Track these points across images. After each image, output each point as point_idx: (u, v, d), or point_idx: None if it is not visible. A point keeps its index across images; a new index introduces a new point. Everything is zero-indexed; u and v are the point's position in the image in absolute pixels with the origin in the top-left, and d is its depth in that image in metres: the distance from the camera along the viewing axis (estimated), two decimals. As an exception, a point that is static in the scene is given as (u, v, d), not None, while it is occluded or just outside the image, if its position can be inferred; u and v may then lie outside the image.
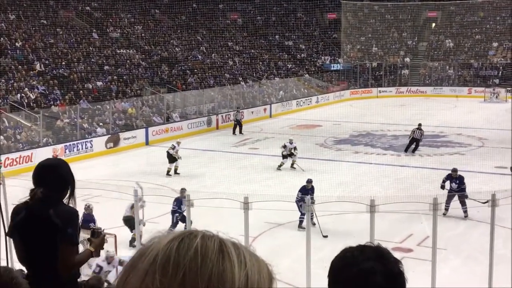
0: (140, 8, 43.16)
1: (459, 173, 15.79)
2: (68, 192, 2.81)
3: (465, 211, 14.38)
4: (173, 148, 21.09)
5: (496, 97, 40.85)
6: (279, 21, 51.78)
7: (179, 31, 43.21)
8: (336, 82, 46.06)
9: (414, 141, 23.86)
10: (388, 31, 52.37)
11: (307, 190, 14.51)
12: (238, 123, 29.82)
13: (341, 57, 49.61)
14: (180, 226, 13.27)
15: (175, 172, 20.87)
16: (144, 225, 12.56)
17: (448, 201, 14.40)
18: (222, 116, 32.29)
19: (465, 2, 50.98)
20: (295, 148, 21.78)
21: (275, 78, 42.19)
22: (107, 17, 39.69)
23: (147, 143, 27.23)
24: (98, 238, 3.23)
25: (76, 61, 32.43)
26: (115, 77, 32.55)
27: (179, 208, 13.90)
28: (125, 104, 29.57)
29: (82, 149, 24.43)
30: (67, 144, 24.07)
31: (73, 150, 24.04)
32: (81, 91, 29.37)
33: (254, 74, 41.45)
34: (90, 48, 34.86)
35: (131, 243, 13.20)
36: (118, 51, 35.98)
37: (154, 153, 25.76)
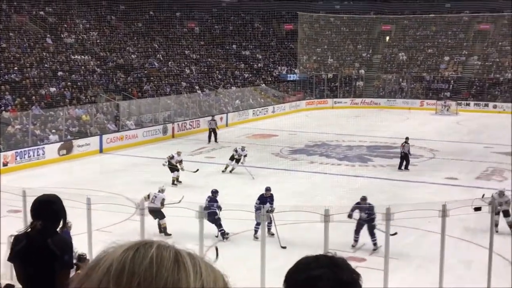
0: (96, 14, 42.67)
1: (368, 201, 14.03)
2: (61, 223, 3.24)
3: (375, 243, 13.65)
4: (172, 157, 20.89)
5: (447, 109, 41.89)
6: (236, 31, 51.96)
7: (135, 38, 42.88)
8: (292, 92, 46.44)
9: (405, 156, 23.13)
10: (343, 43, 53.17)
11: (265, 198, 14.60)
12: (212, 131, 29.73)
13: (298, 67, 50.09)
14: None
15: (175, 182, 20.59)
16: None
17: (357, 232, 13.84)
18: (178, 124, 32.12)
19: (418, 17, 52.25)
20: (245, 156, 22.31)
21: (232, 87, 42.27)
22: (62, 22, 39.08)
23: (101, 150, 26.86)
24: (84, 263, 3.56)
25: (29, 66, 31.79)
26: (69, 83, 32.03)
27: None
28: (79, 111, 29.11)
29: (33, 156, 23.91)
30: (18, 151, 23.53)
31: (24, 157, 23.51)
32: (33, 97, 28.79)
33: (211, 83, 41.43)
34: (44, 53, 34.24)
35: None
36: (72, 57, 35.44)
37: (108, 160, 25.43)
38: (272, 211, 13.02)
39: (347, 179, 21.44)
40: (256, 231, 13.89)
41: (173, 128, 31.59)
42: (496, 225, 13.56)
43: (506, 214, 14.83)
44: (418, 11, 52.54)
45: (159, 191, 15.00)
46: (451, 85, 46.63)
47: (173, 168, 20.72)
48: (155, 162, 24.67)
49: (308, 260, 1.26)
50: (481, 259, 12.04)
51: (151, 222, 10.63)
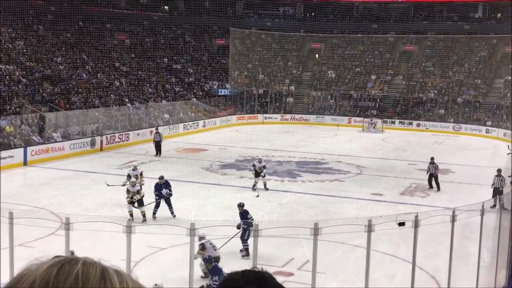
0: (23, 23, 41.47)
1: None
2: None
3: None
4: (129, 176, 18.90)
5: (374, 127, 43.08)
6: (167, 44, 51.70)
7: (63, 48, 41.91)
8: (223, 107, 46.57)
9: (432, 177, 22.82)
10: (274, 60, 53.87)
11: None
12: (156, 144, 29.33)
13: (229, 82, 50.31)
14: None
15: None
16: None
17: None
18: (106, 137, 31.54)
19: (346, 36, 53.67)
20: (264, 167, 21.92)
21: (163, 100, 41.94)
22: (-14, 30, 37.76)
23: (25, 163, 26.00)
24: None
25: (-51, 74, 30.49)
26: (-8, 93, 30.91)
27: (159, 192, 17.33)
28: (3, 122, 28.11)
29: (-48, 168, 22.87)
30: None
31: None
32: (-47, 107, 27.60)
33: (141, 96, 40.96)
34: (-34, 61, 32.95)
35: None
36: (-4, 66, 34.25)
37: (32, 173, 24.64)
38: (247, 227, 13.37)
39: (277, 194, 21.65)
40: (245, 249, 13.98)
41: (101, 141, 30.99)
42: None
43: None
44: (346, 31, 54.01)
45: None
46: (377, 103, 48.02)
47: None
48: (81, 176, 24.12)
49: (235, 276, 1.27)
50: (404, 273, 12.40)
51: (76, 235, 10.38)
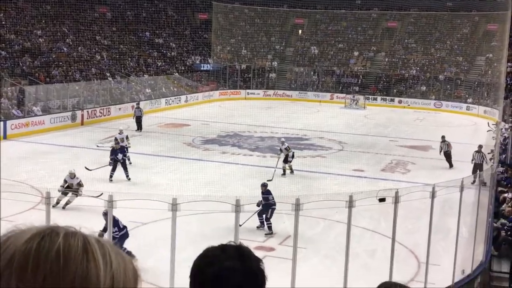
0: (1, -6, 40.66)
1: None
2: None
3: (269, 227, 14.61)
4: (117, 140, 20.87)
5: (356, 103, 43.19)
6: (149, 18, 51.09)
7: (43, 21, 41.22)
8: (206, 82, 46.32)
9: (478, 167, 20.18)
10: (257, 35, 53.57)
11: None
12: (137, 119, 29.07)
13: (211, 57, 50.00)
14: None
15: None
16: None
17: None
18: (87, 111, 31.26)
19: (330, 12, 53.44)
20: (286, 148, 20.93)
21: (144, 75, 41.59)
22: (-37, 1, 37.01)
23: (5, 137, 25.72)
24: None
25: None
26: (-30, 65, 30.43)
27: (116, 155, 19.18)
28: (-19, 95, 27.73)
29: None
30: None
31: None
32: None
33: (123, 70, 40.57)
34: None
35: None
36: (-26, 38, 33.67)
37: (12, 148, 24.39)
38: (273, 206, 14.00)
39: (259, 169, 21.68)
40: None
41: (82, 115, 30.73)
42: None
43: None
44: (330, 6, 53.73)
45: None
46: (360, 80, 48.11)
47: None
48: (62, 150, 23.95)
49: (215, 252, 1.26)
50: (384, 248, 12.54)
51: (56, 214, 10.34)
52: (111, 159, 19.31)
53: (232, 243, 1.29)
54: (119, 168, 19.30)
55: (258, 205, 14.08)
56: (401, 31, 52.21)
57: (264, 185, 15.01)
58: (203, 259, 1.26)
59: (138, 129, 28.96)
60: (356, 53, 50.89)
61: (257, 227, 14.70)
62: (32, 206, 13.83)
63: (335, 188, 18.17)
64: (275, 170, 20.24)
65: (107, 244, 0.97)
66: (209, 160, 23.09)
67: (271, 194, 14.62)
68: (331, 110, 40.46)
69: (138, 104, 31.10)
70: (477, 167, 19.76)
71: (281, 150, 21.17)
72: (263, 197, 14.32)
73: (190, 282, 1.28)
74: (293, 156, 20.90)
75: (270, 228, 14.55)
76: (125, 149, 20.18)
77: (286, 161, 20.83)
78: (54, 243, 0.91)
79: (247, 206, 9.14)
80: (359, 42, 51.82)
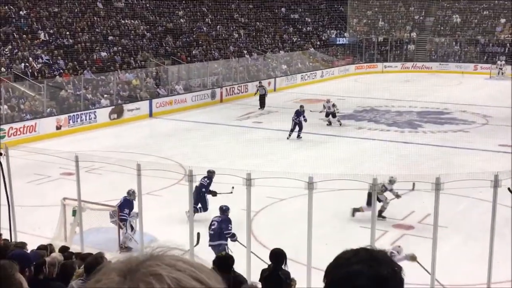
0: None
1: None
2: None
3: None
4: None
5: (502, 74, 40.60)
6: (285, -6, 51.26)
7: (184, 2, 42.84)
8: (342, 56, 45.79)
9: None
10: (395, 6, 51.86)
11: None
12: (261, 97, 29.11)
13: (347, 31, 49.26)
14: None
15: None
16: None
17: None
18: (226, 89, 32.19)
19: (474, -22, 50.36)
20: (333, 106, 24.33)
21: (280, 51, 41.93)
22: (112, -13, 39.34)
23: (150, 115, 27.22)
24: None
25: (81, 31, 32.25)
26: (119, 47, 32.39)
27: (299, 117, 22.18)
28: (129, 75, 29.49)
29: (85, 120, 24.45)
30: (71, 114, 24.09)
31: (76, 121, 24.06)
32: (85, 62, 29.27)
33: (259, 47, 41.20)
34: (95, 18, 34.63)
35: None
36: (122, 22, 35.74)
37: (157, 125, 25.80)
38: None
39: (396, 145, 21.17)
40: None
41: (221, 93, 31.70)
42: None
43: None
44: (474, -28, 50.65)
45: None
46: (506, 49, 45.08)
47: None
48: (202, 127, 24.91)
49: (348, 254, 1.25)
50: None
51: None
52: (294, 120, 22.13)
53: (368, 247, 1.26)
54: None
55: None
56: (554, -6, 48.05)
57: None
58: (336, 261, 1.26)
59: (261, 107, 28.89)
60: (503, 20, 47.65)
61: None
62: (175, 182, 14.57)
63: (479, 165, 17.26)
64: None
65: (205, 274, 0.99)
66: (346, 136, 22.89)
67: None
68: (475, 82, 38.36)
69: (260, 82, 31.03)
70: None
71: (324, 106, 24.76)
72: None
73: (324, 282, 1.28)
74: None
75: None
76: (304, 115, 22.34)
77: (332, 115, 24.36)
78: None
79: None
80: (507, 8, 48.40)
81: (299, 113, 22.19)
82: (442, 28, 49.07)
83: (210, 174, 13.59)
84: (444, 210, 11.58)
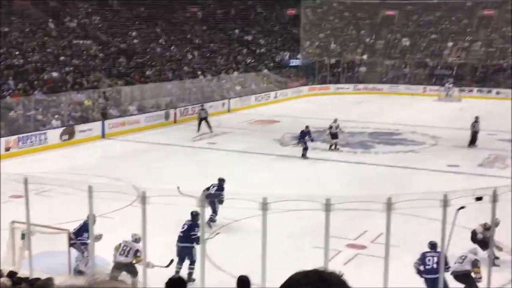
0: (98, -2, 42.45)
1: None
2: None
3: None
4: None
5: (450, 96, 41.74)
6: (239, 15, 51.70)
7: (137, 22, 42.70)
8: (295, 78, 46.29)
9: (475, 134, 24.82)
10: (346, 29, 52.93)
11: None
12: (204, 120, 28.26)
13: (300, 53, 49.92)
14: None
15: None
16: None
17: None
18: (180, 110, 32.08)
19: (422, 2, 51.90)
20: (337, 127, 24.24)
21: (234, 72, 42.13)
22: (64, 7, 38.91)
23: (103, 136, 26.87)
24: None
25: (31, 51, 31.71)
26: (71, 68, 31.96)
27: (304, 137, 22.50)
28: (81, 96, 29.09)
29: (36, 141, 23.95)
30: (21, 136, 23.56)
31: (26, 142, 23.55)
32: (36, 82, 28.74)
33: (213, 68, 41.30)
34: (46, 38, 34.14)
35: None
36: (74, 42, 35.33)
37: (110, 146, 25.47)
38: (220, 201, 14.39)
39: (349, 166, 21.45)
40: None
41: (175, 114, 31.57)
42: None
43: None
44: (422, -4, 52.15)
45: (133, 240, 11.54)
46: (454, 71, 46.44)
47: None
48: (156, 148, 24.71)
49: (298, 276, 1.26)
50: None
51: (152, 209, 10.67)
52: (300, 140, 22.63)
53: (321, 269, 1.28)
54: None
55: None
56: (498, 19, 49.90)
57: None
58: (286, 282, 1.26)
59: (198, 130, 27.99)
60: (450, 44, 49.16)
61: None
62: (128, 204, 14.35)
63: (429, 184, 17.65)
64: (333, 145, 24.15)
65: None
66: (299, 156, 23.03)
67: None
68: (424, 104, 39.32)
69: (202, 105, 30.43)
70: None
71: (331, 127, 24.31)
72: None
73: None
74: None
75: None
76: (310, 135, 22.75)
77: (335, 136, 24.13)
78: None
79: (337, 205, 9.05)
80: (453, 32, 50.02)
81: (304, 133, 22.54)
82: (392, 51, 50.25)
83: (220, 182, 14.89)
84: (396, 230, 11.77)
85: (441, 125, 29.72)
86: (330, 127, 24.16)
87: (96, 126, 26.88)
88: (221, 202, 14.17)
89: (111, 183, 17.17)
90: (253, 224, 12.89)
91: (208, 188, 14.17)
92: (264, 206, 8.51)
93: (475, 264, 10.89)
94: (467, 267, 11.01)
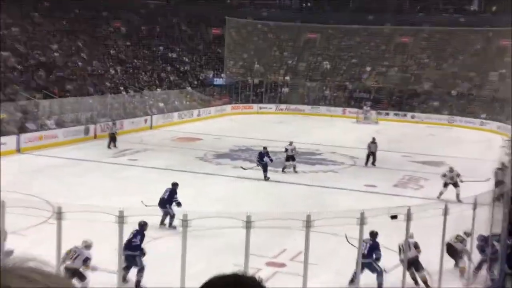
0: (19, 9, 41.14)
1: None
2: None
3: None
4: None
5: (368, 118, 43.09)
6: (163, 33, 51.48)
7: (59, 35, 41.66)
8: (218, 96, 46.48)
9: (371, 154, 25.79)
10: (270, 50, 53.75)
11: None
12: (112, 136, 28.02)
13: (224, 72, 50.21)
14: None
15: None
16: None
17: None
18: (100, 125, 31.44)
19: (342, 27, 53.50)
20: (294, 149, 24.14)
21: (158, 89, 41.81)
22: (-20, 16, 37.46)
23: (18, 150, 25.92)
24: None
25: None
26: (-14, 79, 30.70)
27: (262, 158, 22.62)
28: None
29: None
30: None
31: None
32: None
33: (136, 84, 40.82)
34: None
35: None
36: (-10, 52, 34.01)
37: (25, 161, 24.58)
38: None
39: (270, 184, 21.67)
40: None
41: (95, 129, 30.91)
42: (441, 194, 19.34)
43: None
44: (342, 22, 53.80)
45: (83, 247, 11.57)
46: (372, 95, 48.03)
47: None
48: (74, 164, 24.08)
49: (214, 280, 1.27)
50: (397, 265, 12.45)
51: (68, 226, 10.35)
52: (259, 162, 22.73)
53: (238, 272, 1.29)
54: None
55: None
56: (413, 46, 52.14)
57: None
58: (204, 285, 1.27)
59: (109, 146, 27.69)
60: (368, 68, 50.87)
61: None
62: (44, 220, 13.91)
63: (347, 203, 18.07)
64: (286, 167, 24.06)
65: None
66: (222, 174, 23.11)
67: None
68: (344, 125, 40.40)
69: (113, 121, 30.13)
70: (498, 184, 19.46)
71: (286, 149, 24.23)
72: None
73: None
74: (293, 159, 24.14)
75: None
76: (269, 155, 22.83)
77: (288, 159, 23.99)
78: None
79: (257, 222, 9.13)
80: (372, 57, 51.81)
81: (262, 154, 22.72)
82: (313, 73, 51.43)
83: (174, 187, 16.03)
84: (314, 248, 11.98)
85: (359, 146, 30.56)
86: (286, 150, 24.14)
87: (10, 140, 25.89)
88: (179, 205, 15.09)
89: (26, 198, 16.55)
90: (174, 241, 12.78)
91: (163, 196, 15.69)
92: (184, 223, 8.47)
93: (416, 246, 12.41)
94: (414, 252, 12.31)
